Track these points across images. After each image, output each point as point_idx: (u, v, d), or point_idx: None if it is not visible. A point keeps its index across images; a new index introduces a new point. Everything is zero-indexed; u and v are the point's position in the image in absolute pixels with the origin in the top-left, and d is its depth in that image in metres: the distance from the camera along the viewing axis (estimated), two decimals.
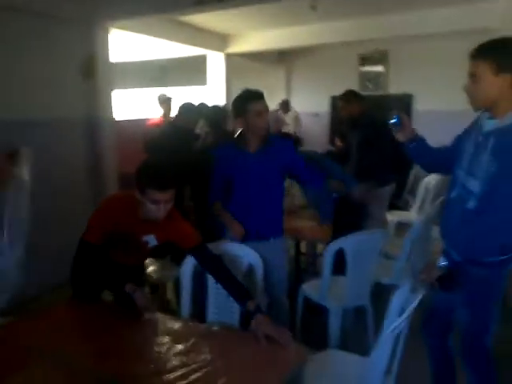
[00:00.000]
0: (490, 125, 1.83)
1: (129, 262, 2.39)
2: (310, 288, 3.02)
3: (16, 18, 3.67)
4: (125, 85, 4.90)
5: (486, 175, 1.78)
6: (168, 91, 5.64)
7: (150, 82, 5.13)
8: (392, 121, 2.16)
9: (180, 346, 1.73)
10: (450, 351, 2.25)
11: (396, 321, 1.69)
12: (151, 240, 2.27)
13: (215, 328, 1.94)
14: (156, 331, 1.89)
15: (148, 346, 1.79)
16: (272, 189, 2.62)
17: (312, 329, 3.04)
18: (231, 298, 2.08)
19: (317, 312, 2.99)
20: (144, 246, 2.29)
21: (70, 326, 1.98)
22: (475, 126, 1.96)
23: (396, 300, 1.83)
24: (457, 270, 1.91)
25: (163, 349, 1.71)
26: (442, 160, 2.16)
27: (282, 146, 2.67)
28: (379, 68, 8.01)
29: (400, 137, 2.19)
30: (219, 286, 2.23)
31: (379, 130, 3.99)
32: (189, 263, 2.47)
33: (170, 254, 3.39)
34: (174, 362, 1.62)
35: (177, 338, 1.81)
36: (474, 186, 1.83)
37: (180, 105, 3.90)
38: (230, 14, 5.35)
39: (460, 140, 2.04)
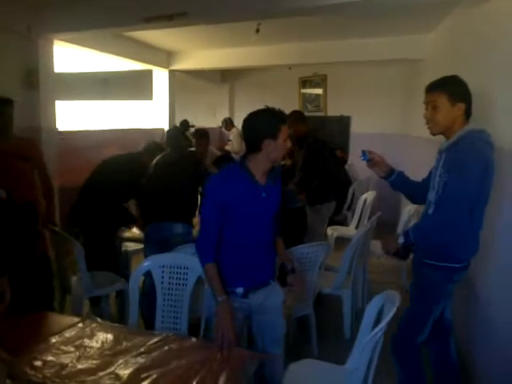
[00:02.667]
0: (443, 145, 2.19)
1: None
2: None
3: None
4: (69, 96, 4.81)
5: (438, 185, 2.11)
6: (112, 104, 5.60)
7: (94, 94, 5.06)
8: (361, 158, 2.36)
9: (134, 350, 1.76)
10: (452, 356, 2.39)
11: (373, 330, 1.75)
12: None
13: (169, 335, 1.97)
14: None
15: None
16: (272, 226, 2.18)
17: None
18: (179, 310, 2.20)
19: None
20: None
21: None
22: (439, 147, 2.26)
23: (370, 310, 1.96)
24: (412, 245, 2.14)
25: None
26: (421, 190, 2.36)
27: (279, 179, 2.22)
28: (319, 90, 8.36)
29: (377, 172, 2.42)
30: (168, 297, 2.29)
31: (322, 149, 4.22)
32: (137, 274, 2.51)
33: None
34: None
35: (132, 345, 1.84)
36: (431, 195, 2.18)
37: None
38: (175, 31, 5.41)
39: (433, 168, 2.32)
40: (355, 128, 8.08)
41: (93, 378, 1.60)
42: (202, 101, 9.12)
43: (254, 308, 2.12)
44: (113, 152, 3.81)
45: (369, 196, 5.25)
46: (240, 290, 2.07)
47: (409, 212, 4.27)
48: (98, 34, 4.88)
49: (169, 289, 2.53)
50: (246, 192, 2.02)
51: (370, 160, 2.37)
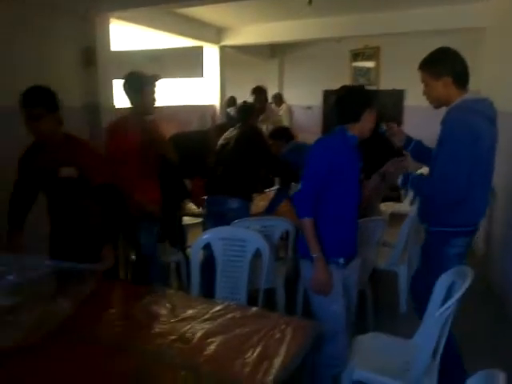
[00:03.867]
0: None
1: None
2: None
3: (17, 7, 3.67)
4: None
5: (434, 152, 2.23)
6: (164, 81, 5.66)
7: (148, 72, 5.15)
8: (380, 131, 2.49)
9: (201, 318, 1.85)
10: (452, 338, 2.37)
11: (444, 305, 1.75)
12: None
13: (230, 304, 2.04)
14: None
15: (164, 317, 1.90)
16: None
17: None
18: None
19: None
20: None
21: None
22: None
23: (440, 285, 1.95)
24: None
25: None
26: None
27: None
28: (371, 63, 8.14)
29: (396, 142, 2.55)
30: (227, 268, 2.37)
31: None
32: (198, 246, 2.59)
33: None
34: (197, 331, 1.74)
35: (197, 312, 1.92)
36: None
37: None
38: (225, 6, 5.40)
39: None
40: (410, 101, 7.84)
41: (165, 341, 1.69)
42: (251, 77, 9.09)
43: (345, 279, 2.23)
44: (169, 128, 3.89)
45: (424, 171, 5.10)
46: (341, 260, 2.15)
47: None
48: (151, 11, 4.95)
49: (228, 261, 2.60)
50: (351, 159, 2.15)
51: (385, 131, 2.51)
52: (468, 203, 2.12)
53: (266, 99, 4.81)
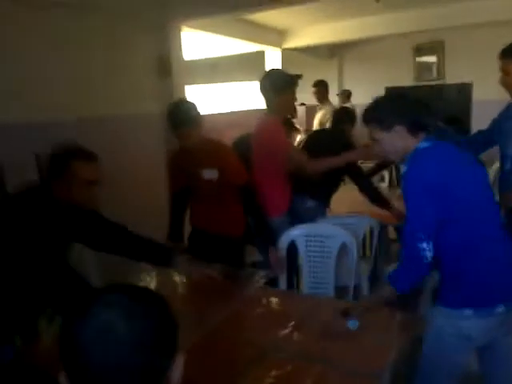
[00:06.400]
0: None
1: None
2: None
3: (94, 17, 3.81)
4: (194, 81, 5.12)
5: None
6: (231, 86, 5.83)
7: (217, 77, 5.34)
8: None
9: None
10: None
11: None
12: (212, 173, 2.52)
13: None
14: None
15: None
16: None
17: None
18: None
19: None
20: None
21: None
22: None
23: None
24: None
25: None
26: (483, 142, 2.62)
27: None
28: (435, 58, 7.94)
29: None
30: (313, 260, 2.44)
31: None
32: (282, 243, 2.66)
33: None
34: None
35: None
36: None
37: None
38: (288, 9, 5.46)
39: (499, 122, 2.50)
40: (478, 95, 7.57)
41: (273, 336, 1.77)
42: (311, 77, 9.10)
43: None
44: (237, 133, 3.94)
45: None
46: (500, 308, 1.63)
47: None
48: (219, 18, 5.10)
49: (313, 257, 2.67)
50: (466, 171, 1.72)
51: None
52: None
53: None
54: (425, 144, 1.71)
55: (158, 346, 0.76)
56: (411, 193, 1.64)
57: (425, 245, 1.56)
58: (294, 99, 2.87)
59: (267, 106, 2.82)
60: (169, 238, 2.79)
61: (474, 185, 1.69)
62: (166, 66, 4.53)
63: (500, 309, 1.61)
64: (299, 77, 2.85)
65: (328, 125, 5.94)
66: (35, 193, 1.84)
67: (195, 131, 2.43)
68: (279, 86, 2.73)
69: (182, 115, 2.40)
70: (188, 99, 2.54)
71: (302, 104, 6.86)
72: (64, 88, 3.58)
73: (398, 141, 1.75)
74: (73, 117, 3.59)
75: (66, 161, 1.80)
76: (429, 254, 1.56)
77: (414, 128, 1.73)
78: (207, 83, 5.62)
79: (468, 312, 1.61)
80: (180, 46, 4.73)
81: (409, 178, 1.66)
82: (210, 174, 2.51)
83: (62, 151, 1.83)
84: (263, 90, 2.79)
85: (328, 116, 6.11)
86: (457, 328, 1.63)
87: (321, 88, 6.38)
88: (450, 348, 1.67)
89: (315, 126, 6.56)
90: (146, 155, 4.38)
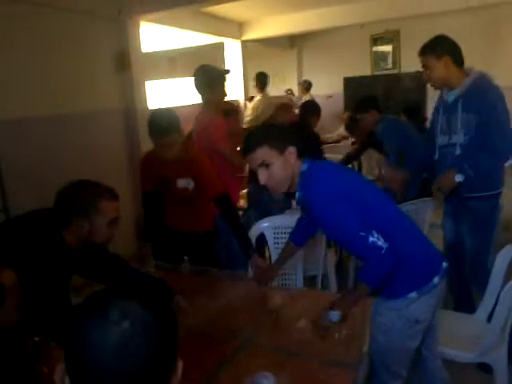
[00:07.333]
0: (453, 94, 2.40)
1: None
2: None
3: (49, 14, 3.72)
4: (153, 76, 5.04)
5: (467, 127, 2.33)
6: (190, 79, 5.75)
7: (176, 70, 5.28)
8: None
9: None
10: (466, 280, 2.62)
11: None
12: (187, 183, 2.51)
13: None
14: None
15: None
16: None
17: None
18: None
19: None
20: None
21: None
22: (440, 101, 2.57)
23: (500, 259, 2.07)
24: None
25: None
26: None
27: None
28: (390, 47, 8.12)
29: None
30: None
31: None
32: (252, 235, 2.69)
33: None
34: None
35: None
36: (458, 138, 2.39)
37: None
38: (248, 1, 5.46)
39: (433, 115, 2.67)
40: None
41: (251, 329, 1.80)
42: (271, 68, 9.13)
43: None
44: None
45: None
46: (436, 279, 1.74)
47: None
48: (177, 11, 5.03)
49: (282, 248, 2.70)
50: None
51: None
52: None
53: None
54: (307, 165, 1.76)
55: (163, 353, 0.76)
56: (328, 207, 1.64)
57: (371, 238, 1.58)
58: (225, 92, 3.12)
59: (202, 100, 3.07)
60: (142, 239, 2.77)
61: (361, 179, 1.91)
62: (125, 60, 4.45)
63: (436, 279, 1.71)
64: (227, 71, 3.21)
65: (259, 112, 6.08)
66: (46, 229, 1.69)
67: (176, 141, 2.37)
68: (212, 80, 3.00)
69: (163, 125, 2.33)
70: (168, 107, 2.51)
71: (252, 97, 6.94)
72: (24, 87, 3.49)
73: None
74: (35, 115, 3.53)
75: (94, 200, 1.68)
76: (380, 243, 1.57)
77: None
78: (167, 77, 5.53)
79: (413, 295, 1.69)
80: (139, 40, 4.64)
81: (317, 196, 1.67)
82: (185, 183, 2.48)
83: (87, 190, 1.70)
84: (198, 85, 3.04)
85: (259, 104, 6.29)
86: (405, 317, 1.71)
87: (260, 79, 6.54)
88: (403, 337, 1.74)
89: (248, 111, 6.57)
90: (107, 151, 4.29)
